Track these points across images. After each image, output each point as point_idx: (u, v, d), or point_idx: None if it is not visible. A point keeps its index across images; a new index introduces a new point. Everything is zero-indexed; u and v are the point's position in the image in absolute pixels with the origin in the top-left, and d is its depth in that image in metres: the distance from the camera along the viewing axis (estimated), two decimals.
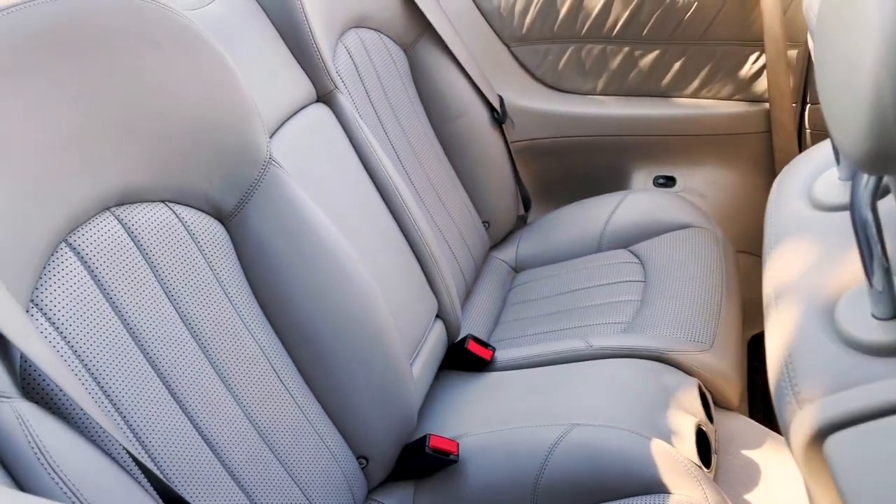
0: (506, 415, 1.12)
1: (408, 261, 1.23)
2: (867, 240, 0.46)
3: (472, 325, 1.44)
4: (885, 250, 0.46)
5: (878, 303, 0.47)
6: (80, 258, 0.75)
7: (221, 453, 0.83)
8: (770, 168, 1.67)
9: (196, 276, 0.86)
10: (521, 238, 1.67)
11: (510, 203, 1.66)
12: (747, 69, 1.63)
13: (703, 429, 1.05)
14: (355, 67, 1.34)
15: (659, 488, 0.94)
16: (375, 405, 1.01)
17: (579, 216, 1.63)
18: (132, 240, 0.80)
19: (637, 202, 1.58)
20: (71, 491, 0.61)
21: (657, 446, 0.98)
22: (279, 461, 0.90)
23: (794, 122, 1.60)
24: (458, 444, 1.07)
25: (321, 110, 1.20)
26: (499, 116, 1.63)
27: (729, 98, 1.67)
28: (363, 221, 1.16)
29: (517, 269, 1.64)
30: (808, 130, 1.62)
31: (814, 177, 0.61)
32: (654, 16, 1.62)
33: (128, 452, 0.67)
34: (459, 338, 1.32)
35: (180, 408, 0.80)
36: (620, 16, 1.65)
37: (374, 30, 1.43)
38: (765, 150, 1.66)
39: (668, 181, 1.76)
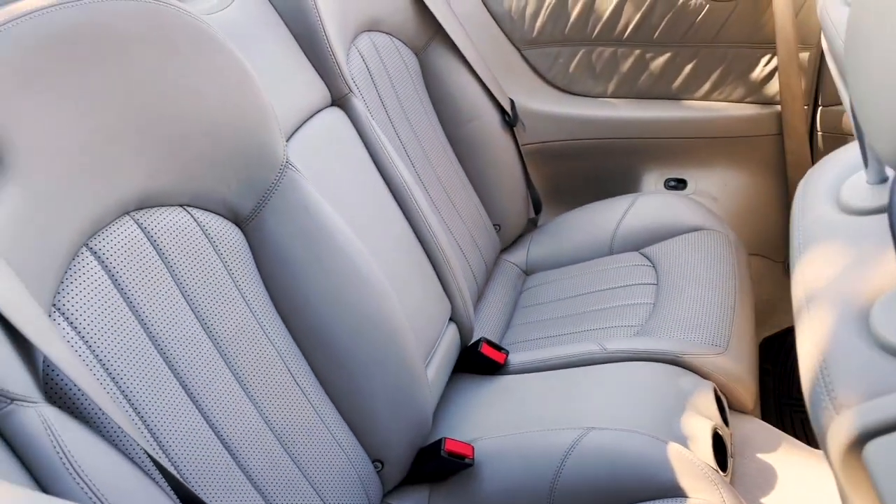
0: (521, 418, 1.12)
1: (421, 264, 1.23)
2: None
3: (484, 328, 1.44)
4: None
5: None
6: (101, 262, 0.75)
7: (238, 456, 0.83)
8: (781, 170, 1.67)
9: (213, 279, 0.86)
10: (532, 241, 1.67)
11: (521, 206, 1.66)
12: (759, 72, 1.63)
13: (720, 432, 1.05)
14: (368, 71, 1.34)
15: (676, 492, 0.94)
16: (391, 408, 1.01)
17: (590, 219, 1.63)
18: (151, 244, 0.81)
19: (648, 205, 1.57)
20: (95, 494, 0.61)
21: (674, 450, 0.98)
22: (295, 464, 0.90)
23: (806, 124, 1.60)
24: (473, 448, 1.06)
25: (336, 114, 1.20)
26: (510, 119, 1.63)
27: (740, 100, 1.66)
28: (378, 225, 1.16)
29: (528, 271, 1.64)
30: (819, 133, 1.62)
31: (840, 180, 0.61)
32: (666, 18, 1.62)
33: (148, 455, 0.68)
34: (472, 341, 1.32)
35: (198, 410, 0.80)
36: (631, 19, 1.65)
37: (386, 33, 1.43)
38: (776, 152, 1.66)
39: (679, 184, 1.75)
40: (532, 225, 1.74)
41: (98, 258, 0.75)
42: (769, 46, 1.59)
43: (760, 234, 1.71)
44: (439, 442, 1.05)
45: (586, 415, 1.07)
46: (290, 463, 0.89)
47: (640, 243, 1.52)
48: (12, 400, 0.58)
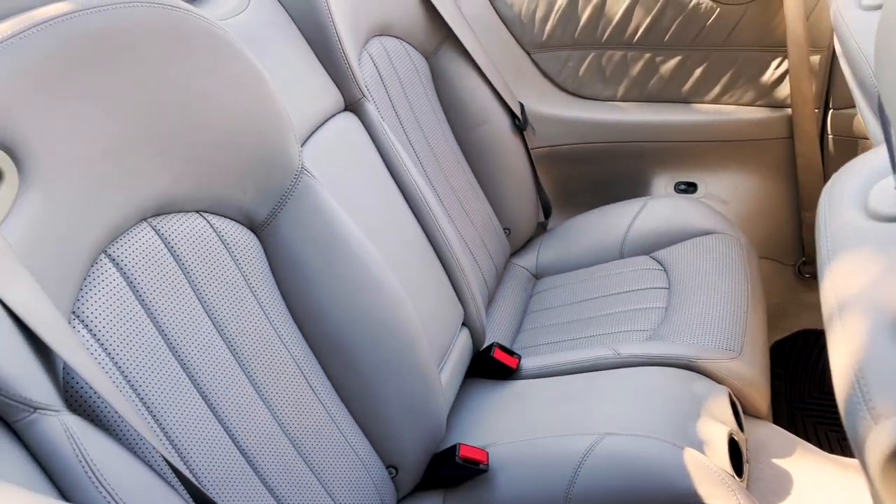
0: (535, 424, 1.12)
1: (434, 269, 1.23)
2: None
3: (495, 332, 1.44)
4: None
5: None
6: (120, 269, 0.75)
7: (255, 462, 0.83)
8: (792, 174, 1.67)
9: (230, 285, 0.86)
10: (542, 245, 1.67)
11: (531, 210, 1.66)
12: (769, 75, 1.62)
13: (735, 438, 1.04)
14: (379, 76, 1.34)
15: (693, 499, 0.94)
16: (405, 414, 1.00)
17: (600, 222, 1.62)
18: (169, 250, 0.80)
19: (659, 208, 1.57)
20: (116, 503, 0.60)
21: (690, 456, 0.97)
22: (311, 470, 0.90)
23: (817, 127, 1.59)
24: (487, 454, 1.06)
25: (349, 119, 1.20)
26: (520, 123, 1.63)
27: (751, 104, 1.66)
28: (391, 230, 1.16)
29: (538, 275, 1.64)
30: (830, 136, 1.61)
31: (867, 186, 0.60)
32: (676, 22, 1.62)
33: (168, 463, 0.67)
34: (485, 346, 1.31)
35: (215, 417, 0.80)
36: (642, 22, 1.64)
37: (397, 38, 1.43)
38: (787, 156, 1.66)
39: (690, 187, 1.75)
40: (542, 229, 1.74)
41: (117, 265, 0.75)
42: (780, 49, 1.59)
43: (771, 238, 1.71)
44: (454, 448, 1.05)
45: (601, 420, 1.07)
46: (305, 469, 0.89)
47: (651, 247, 1.52)
48: (35, 409, 0.58)
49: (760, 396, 1.19)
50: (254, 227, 0.92)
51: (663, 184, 1.76)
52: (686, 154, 1.72)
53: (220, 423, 0.80)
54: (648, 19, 1.64)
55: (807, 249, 1.71)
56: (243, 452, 0.82)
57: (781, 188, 1.69)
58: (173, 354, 0.78)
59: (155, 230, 0.80)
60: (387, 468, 1.01)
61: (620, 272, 1.49)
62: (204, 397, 0.79)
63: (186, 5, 0.81)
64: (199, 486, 0.71)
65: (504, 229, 1.61)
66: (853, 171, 0.64)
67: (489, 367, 1.28)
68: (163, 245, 0.80)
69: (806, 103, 1.56)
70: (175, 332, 0.78)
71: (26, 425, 0.58)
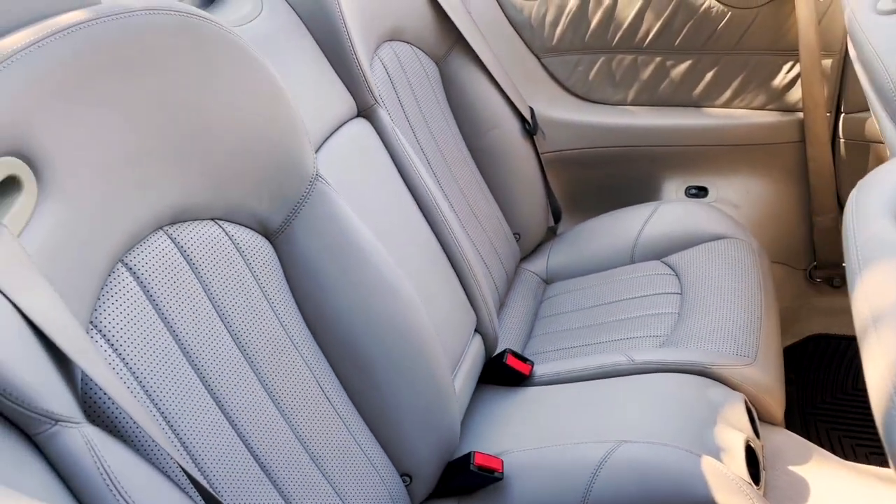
0: (550, 431, 1.11)
1: (447, 274, 1.22)
2: None
3: (506, 338, 1.43)
4: None
5: None
6: (136, 278, 0.74)
7: (270, 471, 0.82)
8: (803, 178, 1.66)
9: (245, 293, 0.86)
10: (552, 249, 1.66)
11: (540, 214, 1.65)
12: (781, 78, 1.62)
13: (752, 445, 1.04)
14: (390, 81, 1.34)
15: None
16: (419, 421, 1.00)
17: (611, 227, 1.62)
18: (184, 259, 0.80)
19: (670, 213, 1.56)
20: None
21: (708, 464, 0.96)
22: (326, 479, 0.89)
23: (829, 131, 1.59)
24: (502, 462, 1.05)
25: (362, 125, 1.19)
26: (530, 128, 1.63)
27: (762, 108, 1.65)
28: (405, 236, 1.16)
29: (548, 280, 1.63)
30: (841, 140, 1.61)
31: (895, 195, 0.60)
32: (687, 26, 1.61)
33: (186, 474, 0.67)
34: (497, 352, 1.31)
35: (231, 426, 0.80)
36: (652, 26, 1.64)
37: (407, 42, 1.43)
38: (798, 160, 1.65)
39: (700, 191, 1.74)
40: (551, 233, 1.73)
41: (133, 274, 0.74)
42: (791, 53, 1.58)
43: (782, 242, 1.70)
44: (468, 455, 1.04)
45: (616, 428, 1.06)
46: (320, 478, 0.88)
47: (662, 252, 1.51)
48: (57, 421, 0.58)
49: (775, 403, 1.19)
50: (268, 234, 0.92)
51: (674, 188, 1.76)
52: (697, 158, 1.72)
53: (235, 431, 0.80)
54: (659, 23, 1.63)
55: (818, 254, 1.70)
56: (258, 461, 0.81)
57: (793, 192, 1.69)
58: (189, 363, 0.77)
59: (171, 238, 0.79)
60: (401, 476, 1.00)
61: (631, 277, 1.48)
62: (219, 406, 0.79)
63: (203, 12, 0.81)
64: (216, 495, 0.71)
65: (514, 234, 1.61)
66: (879, 180, 0.63)
67: (502, 373, 1.27)
68: (179, 253, 0.79)
69: (818, 107, 1.55)
70: (191, 340, 0.78)
71: (47, 438, 0.57)
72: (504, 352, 1.28)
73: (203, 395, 0.78)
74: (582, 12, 1.67)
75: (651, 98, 1.72)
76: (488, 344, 1.29)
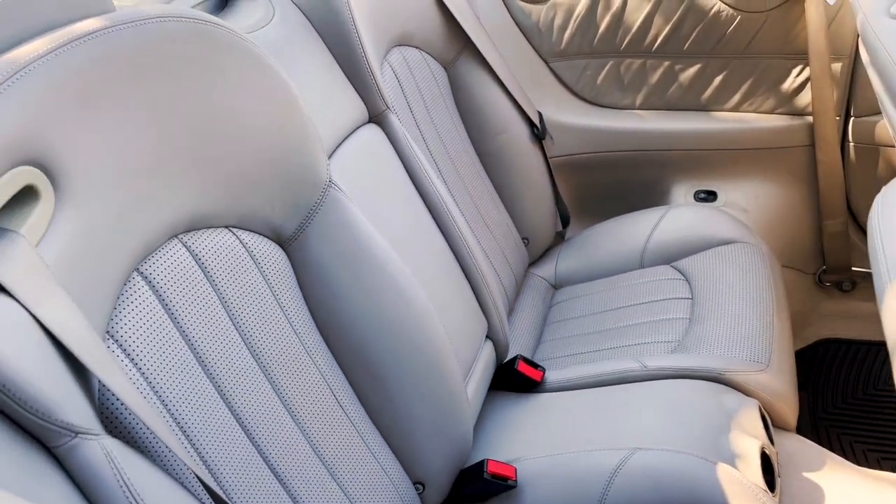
0: (563, 438, 1.10)
1: (459, 281, 1.22)
2: None
3: (515, 343, 1.42)
4: None
5: None
6: (152, 287, 0.74)
7: (285, 480, 0.82)
8: (813, 182, 1.65)
9: (259, 301, 0.86)
10: (560, 254, 1.65)
11: (549, 219, 1.65)
12: (790, 82, 1.61)
13: (766, 451, 1.03)
14: (400, 86, 1.34)
15: None
16: (432, 429, 0.99)
17: (620, 232, 1.61)
18: (199, 267, 0.80)
19: (679, 217, 1.56)
20: None
21: (723, 471, 0.96)
22: (340, 488, 0.89)
23: (838, 135, 1.58)
24: (515, 470, 1.05)
25: (374, 131, 1.19)
26: (538, 132, 1.62)
27: (771, 112, 1.65)
28: (417, 242, 1.15)
29: (557, 286, 1.62)
30: (851, 144, 1.60)
31: None
32: (696, 30, 1.61)
33: (203, 484, 0.66)
34: (508, 358, 1.30)
35: (246, 435, 0.79)
36: (661, 30, 1.63)
37: (416, 48, 1.43)
38: (807, 163, 1.64)
39: (710, 196, 1.74)
40: (560, 238, 1.73)
41: (149, 283, 0.74)
42: (801, 57, 1.58)
43: (792, 246, 1.70)
44: (481, 463, 1.04)
45: (631, 435, 1.05)
46: (335, 486, 0.88)
47: (672, 256, 1.51)
48: (77, 433, 0.57)
49: (789, 409, 1.18)
50: (281, 241, 0.91)
51: (683, 192, 1.75)
52: (706, 162, 1.71)
53: (250, 441, 0.79)
54: (668, 27, 1.63)
55: (827, 258, 1.69)
56: (273, 471, 0.81)
57: (802, 196, 1.68)
58: (204, 372, 0.77)
59: (186, 246, 0.79)
60: (414, 484, 0.99)
61: (641, 282, 1.47)
62: (235, 415, 0.79)
63: (216, 19, 0.80)
64: None
65: (522, 239, 1.60)
66: None
67: (513, 379, 1.27)
68: (193, 262, 0.79)
69: (827, 111, 1.55)
70: (206, 349, 0.77)
71: (67, 450, 0.57)
72: (515, 358, 1.27)
73: (218, 403, 0.77)
74: (590, 16, 1.67)
75: (660, 102, 1.72)
76: (499, 350, 1.29)
